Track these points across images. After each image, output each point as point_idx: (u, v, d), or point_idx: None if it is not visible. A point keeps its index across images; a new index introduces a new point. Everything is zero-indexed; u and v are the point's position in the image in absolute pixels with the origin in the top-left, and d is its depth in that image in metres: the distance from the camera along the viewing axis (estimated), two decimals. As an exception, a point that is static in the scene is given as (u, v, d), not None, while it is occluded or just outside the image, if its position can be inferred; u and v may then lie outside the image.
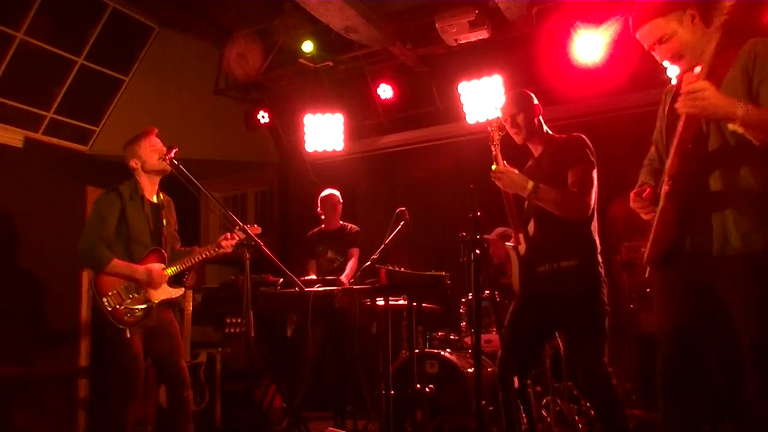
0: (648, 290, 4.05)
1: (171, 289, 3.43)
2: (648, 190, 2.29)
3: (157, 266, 3.37)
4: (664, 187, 2.14)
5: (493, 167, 2.91)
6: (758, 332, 2.00)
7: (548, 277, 2.90)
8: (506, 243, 3.15)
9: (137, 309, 3.27)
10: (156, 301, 3.34)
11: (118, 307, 3.24)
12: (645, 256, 2.28)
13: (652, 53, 2.28)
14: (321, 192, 5.38)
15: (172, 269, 3.44)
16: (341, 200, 5.35)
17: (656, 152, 2.44)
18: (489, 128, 3.01)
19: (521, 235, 3.03)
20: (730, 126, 1.97)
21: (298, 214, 6.71)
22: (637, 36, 2.27)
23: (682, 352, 2.19)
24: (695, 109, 1.96)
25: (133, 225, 3.36)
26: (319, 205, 5.33)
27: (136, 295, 3.30)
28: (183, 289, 3.50)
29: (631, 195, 2.33)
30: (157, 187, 3.55)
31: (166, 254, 3.45)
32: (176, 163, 3.38)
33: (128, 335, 3.21)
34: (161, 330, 3.40)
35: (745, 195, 2.04)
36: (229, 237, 3.44)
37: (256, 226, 3.49)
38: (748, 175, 2.05)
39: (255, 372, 4.83)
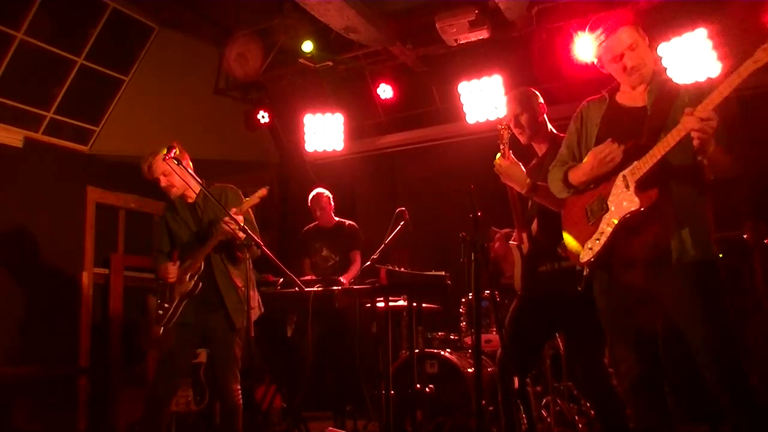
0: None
1: (188, 282, 3.48)
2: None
3: (170, 264, 3.51)
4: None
5: (498, 158, 2.90)
6: (705, 333, 2.15)
7: (549, 276, 2.90)
8: (509, 242, 3.15)
9: (165, 306, 3.46)
10: (176, 296, 3.45)
11: (159, 303, 3.49)
12: (588, 256, 2.37)
13: (614, 65, 2.43)
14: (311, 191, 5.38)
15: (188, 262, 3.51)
16: (330, 198, 5.33)
17: (569, 155, 2.58)
18: (499, 126, 2.99)
19: (524, 235, 3.03)
20: (699, 157, 2.18)
21: (298, 214, 6.69)
22: (608, 43, 2.43)
23: (645, 353, 2.32)
24: (705, 134, 2.09)
25: (177, 234, 3.58)
26: (309, 203, 5.33)
27: (168, 295, 3.49)
28: (193, 280, 3.49)
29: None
30: (194, 185, 3.59)
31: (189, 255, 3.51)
32: (176, 163, 3.39)
33: (159, 332, 3.42)
34: (206, 332, 3.50)
35: (686, 210, 2.24)
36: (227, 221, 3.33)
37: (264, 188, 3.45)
38: (692, 193, 2.26)
39: (255, 372, 4.83)
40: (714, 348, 2.14)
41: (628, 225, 2.25)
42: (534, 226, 3.00)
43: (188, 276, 3.45)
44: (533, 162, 3.15)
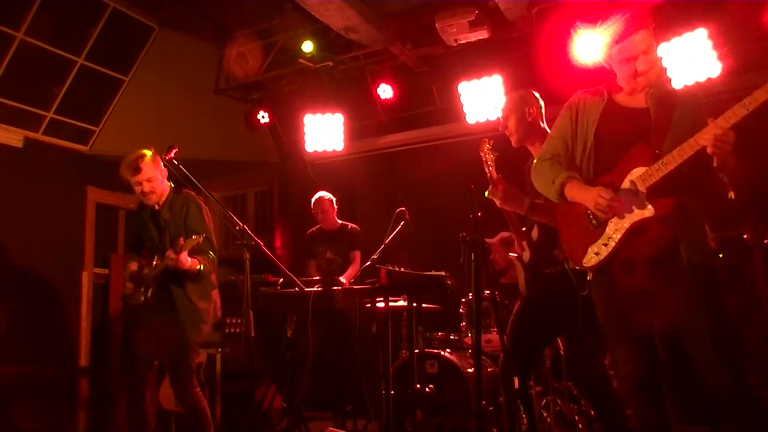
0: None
1: (138, 295, 3.50)
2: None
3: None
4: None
5: (489, 189, 2.89)
6: (706, 332, 2.13)
7: (554, 278, 2.90)
8: (510, 254, 3.15)
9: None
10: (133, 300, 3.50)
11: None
12: (595, 261, 2.33)
13: (624, 66, 2.36)
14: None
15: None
16: (333, 201, 5.32)
17: (562, 147, 2.50)
18: (481, 153, 2.97)
19: (525, 243, 3.04)
20: (720, 174, 2.15)
21: (298, 214, 6.70)
22: (623, 45, 2.36)
23: (645, 354, 2.30)
24: (722, 152, 2.07)
25: (145, 235, 3.64)
26: (312, 207, 5.33)
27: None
28: (144, 295, 3.49)
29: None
30: (164, 191, 3.59)
31: (154, 257, 3.50)
32: (176, 163, 3.39)
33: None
34: (159, 339, 3.49)
35: (690, 214, 2.22)
36: (173, 254, 3.24)
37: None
38: (697, 200, 2.24)
39: (255, 372, 4.83)
40: (714, 346, 2.12)
41: (637, 230, 2.24)
42: (535, 232, 3.01)
43: (142, 289, 3.44)
44: (528, 163, 3.15)
